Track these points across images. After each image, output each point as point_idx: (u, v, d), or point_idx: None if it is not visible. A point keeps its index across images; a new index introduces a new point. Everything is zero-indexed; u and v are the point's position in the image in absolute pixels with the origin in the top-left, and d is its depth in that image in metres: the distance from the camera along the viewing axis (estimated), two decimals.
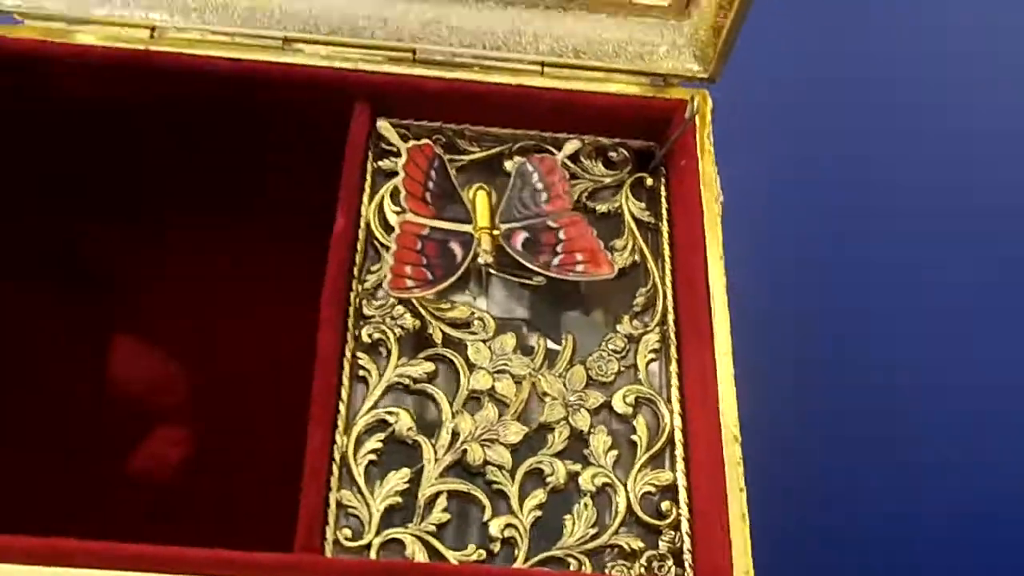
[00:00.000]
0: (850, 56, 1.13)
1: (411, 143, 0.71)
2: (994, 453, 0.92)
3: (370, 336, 0.65)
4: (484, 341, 0.66)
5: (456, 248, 0.67)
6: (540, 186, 0.71)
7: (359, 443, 0.62)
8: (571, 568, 0.60)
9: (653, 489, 0.63)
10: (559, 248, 0.68)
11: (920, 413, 0.93)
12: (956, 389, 0.94)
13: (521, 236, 0.69)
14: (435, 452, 0.62)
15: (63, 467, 0.71)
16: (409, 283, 0.65)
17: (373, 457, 0.62)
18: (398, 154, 0.71)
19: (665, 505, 0.63)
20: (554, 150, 0.74)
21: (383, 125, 0.71)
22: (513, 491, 0.62)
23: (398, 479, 0.61)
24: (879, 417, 0.92)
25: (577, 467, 0.63)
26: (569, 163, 0.73)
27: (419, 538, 0.60)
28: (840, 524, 0.85)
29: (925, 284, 1.00)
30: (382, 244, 0.69)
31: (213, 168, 0.78)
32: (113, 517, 0.56)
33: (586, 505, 0.62)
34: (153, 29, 0.72)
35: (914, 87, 1.12)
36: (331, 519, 0.60)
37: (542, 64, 0.73)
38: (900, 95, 1.11)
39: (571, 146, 0.73)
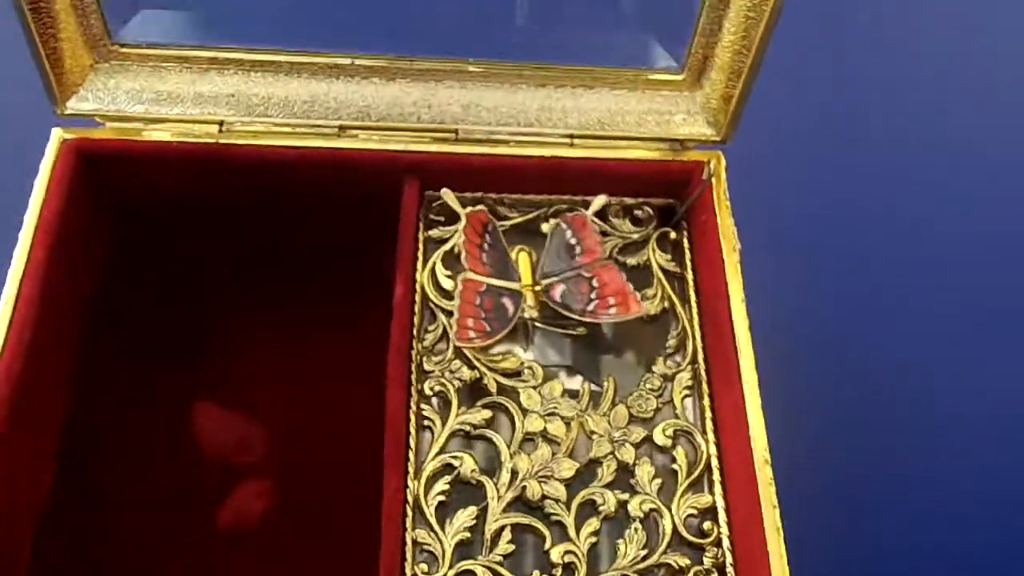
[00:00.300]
0: (848, 114, 1.20)
1: (468, 209, 0.78)
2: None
3: (432, 389, 0.73)
4: (534, 387, 0.73)
5: (508, 303, 0.75)
6: (573, 241, 0.78)
7: (429, 486, 0.69)
8: None
9: (695, 512, 0.70)
10: (593, 295, 0.75)
11: (937, 418, 0.99)
12: (981, 416, 1.00)
13: (560, 288, 0.76)
14: (497, 490, 0.69)
15: (156, 523, 0.78)
16: (472, 334, 0.72)
17: (442, 498, 0.69)
18: (448, 223, 0.79)
19: (706, 525, 0.70)
20: (583, 210, 0.81)
21: (446, 192, 0.78)
22: (570, 521, 0.69)
23: (466, 516, 0.68)
24: (896, 425, 0.98)
25: (626, 496, 0.70)
26: (599, 221, 0.80)
27: (488, 568, 0.67)
28: (865, 530, 0.91)
29: (932, 307, 1.06)
30: (436, 305, 0.76)
31: (280, 246, 0.86)
32: (205, 567, 0.62)
33: (636, 529, 0.69)
34: (221, 124, 0.79)
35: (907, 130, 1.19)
36: (408, 556, 0.67)
37: (571, 136, 0.80)
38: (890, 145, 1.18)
39: (599, 201, 0.80)
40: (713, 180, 0.78)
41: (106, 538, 0.76)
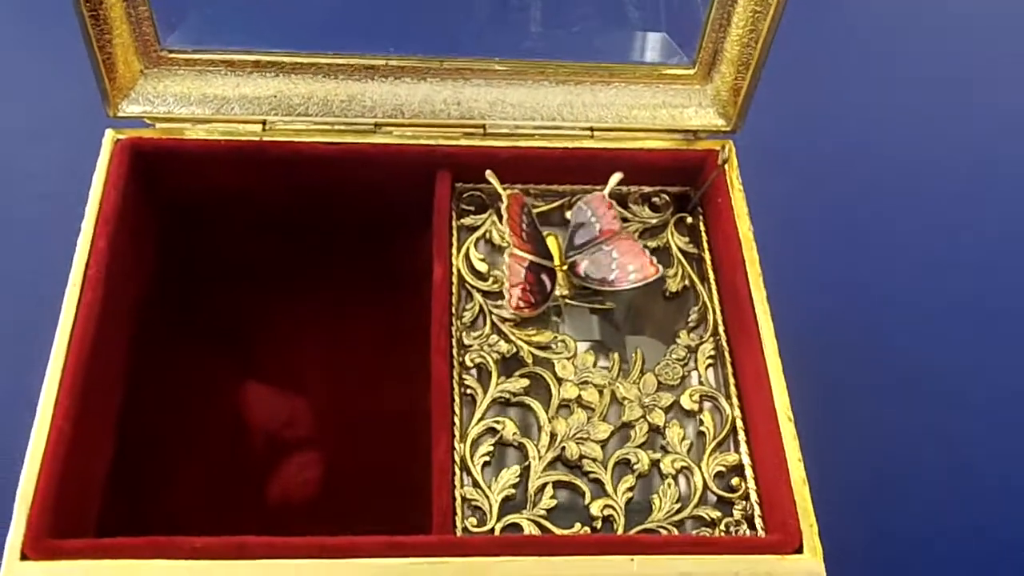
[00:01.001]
0: (852, 103, 1.26)
1: (508, 191, 0.83)
2: None
3: (472, 361, 0.77)
4: (568, 359, 0.78)
5: (546, 279, 0.80)
6: (593, 219, 0.83)
7: (474, 448, 0.74)
8: None
9: (723, 469, 0.75)
10: (613, 266, 0.80)
11: (959, 377, 1.04)
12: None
13: (584, 264, 0.81)
14: (538, 451, 0.74)
15: (209, 497, 0.82)
16: (521, 304, 0.77)
17: (487, 459, 0.74)
18: (478, 211, 0.84)
19: (735, 481, 0.74)
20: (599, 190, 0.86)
21: (489, 174, 0.83)
22: (607, 478, 0.73)
23: (510, 475, 0.73)
24: (915, 380, 1.03)
25: (658, 455, 0.75)
26: (620, 208, 0.85)
27: (533, 521, 0.71)
28: (892, 479, 0.96)
29: (936, 280, 1.12)
30: (472, 286, 0.81)
31: (321, 236, 0.91)
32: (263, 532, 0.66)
33: (669, 485, 0.74)
34: (264, 123, 0.84)
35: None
36: (459, 511, 0.71)
37: (591, 129, 0.85)
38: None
39: (615, 178, 0.84)
40: (726, 166, 0.83)
41: (164, 507, 0.80)
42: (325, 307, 0.91)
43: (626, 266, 0.79)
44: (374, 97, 0.84)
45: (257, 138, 0.83)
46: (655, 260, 0.79)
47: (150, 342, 0.85)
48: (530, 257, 0.79)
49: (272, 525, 0.67)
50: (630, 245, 0.80)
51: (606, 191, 0.83)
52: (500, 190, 0.82)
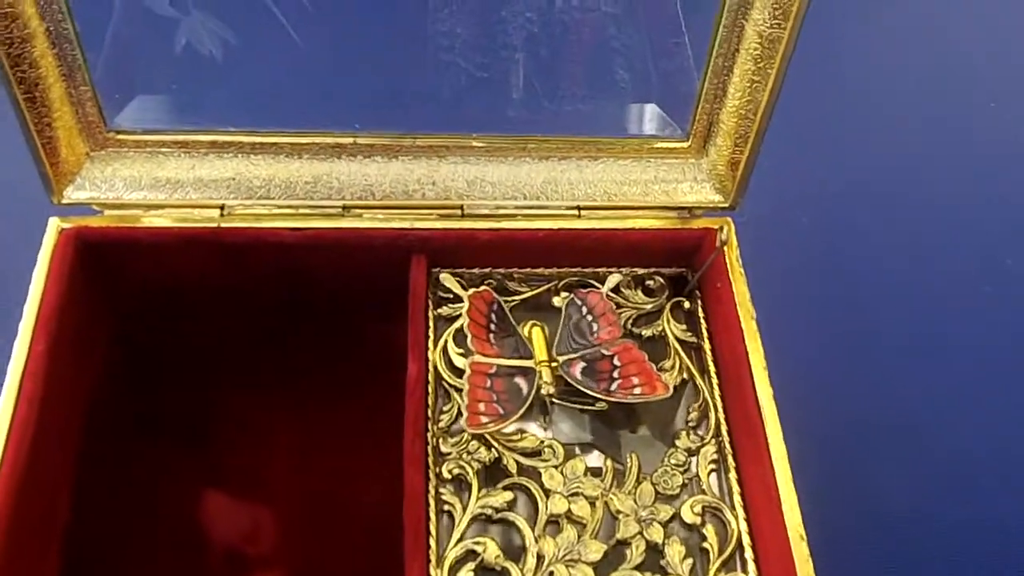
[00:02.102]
0: (857, 173, 1.20)
1: (471, 290, 0.77)
2: None
3: (451, 472, 0.70)
4: (555, 467, 0.71)
5: (521, 383, 0.73)
6: (590, 318, 0.77)
7: (452, 574, 0.66)
8: None
9: None
10: (615, 374, 0.74)
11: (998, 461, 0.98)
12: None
13: (579, 366, 0.74)
14: None
15: None
16: (484, 419, 0.70)
17: None
18: (457, 300, 0.78)
19: None
20: (597, 284, 0.79)
21: (444, 276, 0.77)
22: None
23: None
24: (942, 471, 0.96)
25: None
26: (612, 295, 0.79)
27: None
28: None
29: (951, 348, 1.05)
30: (451, 385, 0.74)
31: (287, 328, 0.84)
32: None
33: None
34: (223, 208, 0.77)
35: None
36: None
37: (578, 208, 0.79)
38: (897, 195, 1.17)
39: (613, 279, 0.79)
40: (725, 248, 0.76)
41: None
42: (293, 402, 0.84)
43: (630, 377, 0.73)
44: (341, 178, 0.78)
45: (215, 224, 0.77)
46: (663, 378, 0.73)
47: (103, 443, 0.78)
48: (497, 362, 0.72)
49: None
50: (635, 355, 0.74)
51: (604, 290, 0.77)
52: (460, 292, 0.76)
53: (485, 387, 0.72)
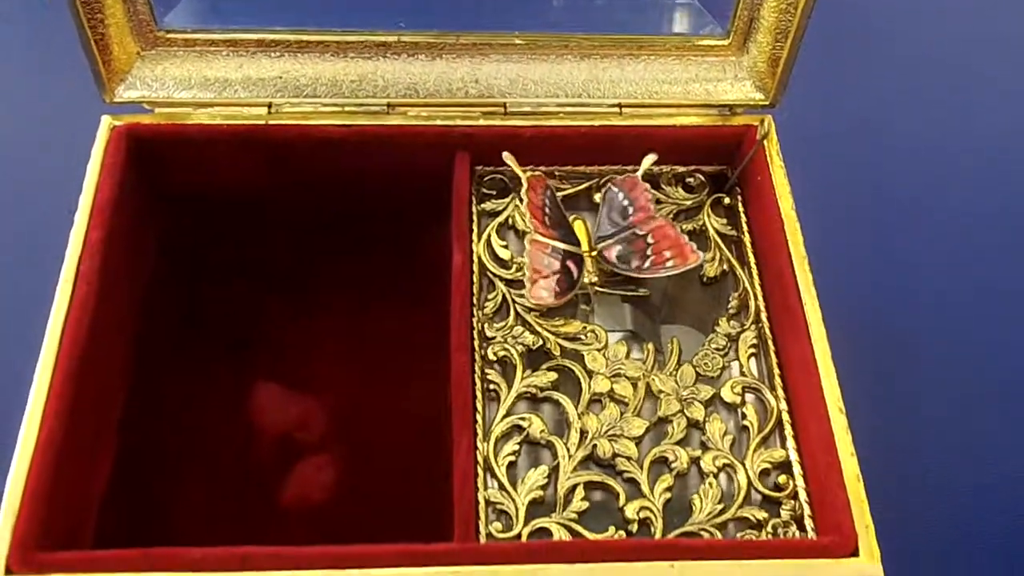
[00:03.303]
0: (898, 71, 1.20)
1: (529, 173, 0.77)
2: None
3: (495, 354, 0.72)
4: (599, 350, 0.72)
5: (572, 266, 0.74)
6: (625, 203, 0.77)
7: (498, 447, 0.68)
8: None
9: (769, 466, 0.69)
10: (649, 251, 0.75)
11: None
12: None
13: (615, 249, 0.75)
14: (567, 449, 0.68)
15: (218, 502, 0.77)
16: (543, 293, 0.72)
17: (512, 458, 0.68)
18: (500, 195, 0.79)
19: (782, 479, 0.68)
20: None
21: (507, 156, 0.78)
22: (643, 478, 0.68)
23: (538, 475, 0.67)
24: (973, 367, 0.96)
25: (698, 452, 0.69)
26: (652, 190, 0.79)
27: (564, 525, 0.66)
28: (950, 471, 0.89)
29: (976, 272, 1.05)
30: (494, 275, 0.75)
31: (333, 225, 0.85)
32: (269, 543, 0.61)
33: (710, 484, 0.68)
34: (270, 106, 0.79)
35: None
36: (482, 515, 0.65)
37: (619, 105, 0.80)
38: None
39: (648, 160, 0.79)
40: (765, 141, 0.77)
41: (168, 518, 0.75)
42: (339, 302, 0.86)
43: (662, 252, 0.73)
44: (386, 76, 0.79)
45: (263, 122, 0.78)
46: (695, 247, 0.73)
47: (154, 344, 0.80)
48: (553, 243, 0.74)
49: (283, 535, 0.62)
50: (667, 230, 0.75)
51: (639, 173, 0.78)
52: (519, 172, 0.77)
53: (544, 264, 0.73)
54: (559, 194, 0.80)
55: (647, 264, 0.73)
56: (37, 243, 0.85)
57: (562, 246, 0.74)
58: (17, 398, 0.64)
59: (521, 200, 0.76)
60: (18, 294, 0.93)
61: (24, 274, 0.95)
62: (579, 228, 0.77)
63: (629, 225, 0.76)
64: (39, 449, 0.62)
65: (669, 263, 0.73)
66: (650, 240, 0.75)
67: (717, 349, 0.73)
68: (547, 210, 0.75)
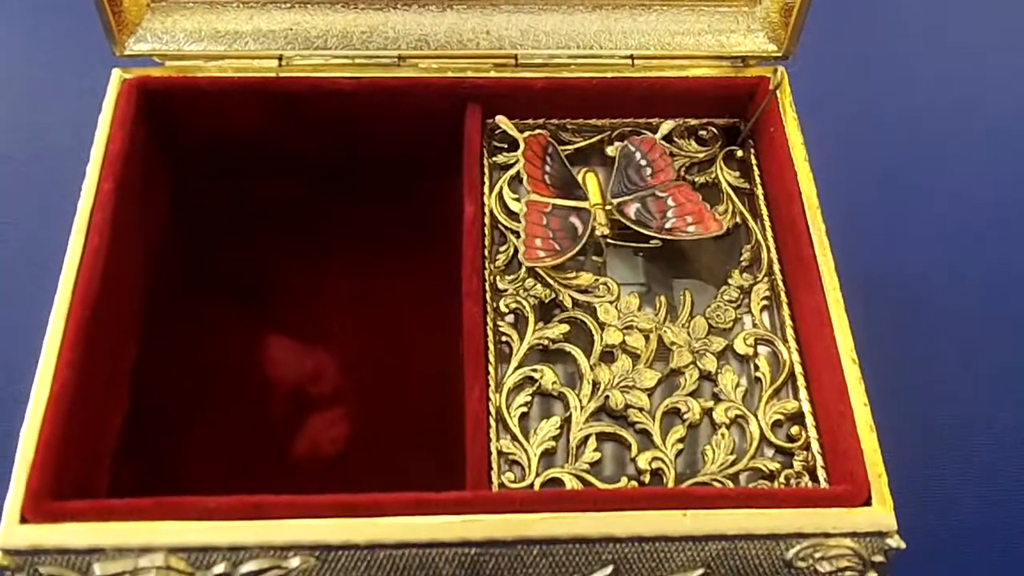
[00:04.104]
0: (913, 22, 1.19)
1: (527, 133, 0.77)
2: None
3: (507, 306, 0.72)
4: (611, 302, 0.72)
5: (576, 222, 0.74)
6: (643, 163, 0.77)
7: (510, 398, 0.68)
8: None
9: (781, 417, 0.69)
10: (669, 214, 0.74)
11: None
12: None
13: (634, 207, 0.75)
14: (580, 401, 0.68)
15: (231, 455, 0.77)
16: (540, 253, 0.71)
17: (524, 409, 0.68)
18: (512, 148, 0.78)
19: (794, 430, 0.68)
20: (650, 133, 0.80)
21: (501, 119, 0.78)
22: (655, 428, 0.68)
23: (550, 426, 0.67)
24: (986, 318, 0.96)
25: (710, 403, 0.69)
26: (665, 143, 0.79)
27: (576, 475, 0.66)
28: (963, 423, 0.89)
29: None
30: (506, 227, 0.75)
31: (344, 178, 0.85)
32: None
33: (723, 435, 0.68)
34: (281, 58, 0.78)
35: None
36: (494, 466, 0.65)
37: (631, 57, 0.79)
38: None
39: (667, 126, 0.79)
40: (778, 92, 0.77)
41: (181, 469, 0.75)
42: (350, 255, 0.86)
43: (684, 216, 0.73)
44: (397, 28, 0.79)
45: (273, 74, 0.78)
46: (716, 215, 0.73)
47: (166, 295, 0.80)
48: (553, 201, 0.73)
49: (297, 485, 0.62)
50: (688, 195, 0.75)
51: (658, 137, 0.77)
52: (516, 134, 0.76)
53: (541, 224, 0.73)
54: (571, 147, 0.79)
55: (667, 225, 0.73)
56: (49, 195, 0.86)
57: (564, 203, 0.74)
58: (31, 349, 0.64)
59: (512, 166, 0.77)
60: (31, 246, 0.94)
61: (37, 226, 0.95)
62: (591, 180, 0.77)
63: (648, 185, 0.75)
64: (52, 399, 0.62)
65: (690, 228, 0.73)
66: (670, 203, 0.75)
67: (729, 301, 0.73)
68: (548, 168, 0.75)
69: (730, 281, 0.74)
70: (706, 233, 0.73)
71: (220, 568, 0.57)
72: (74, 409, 0.63)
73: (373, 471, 0.76)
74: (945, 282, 0.98)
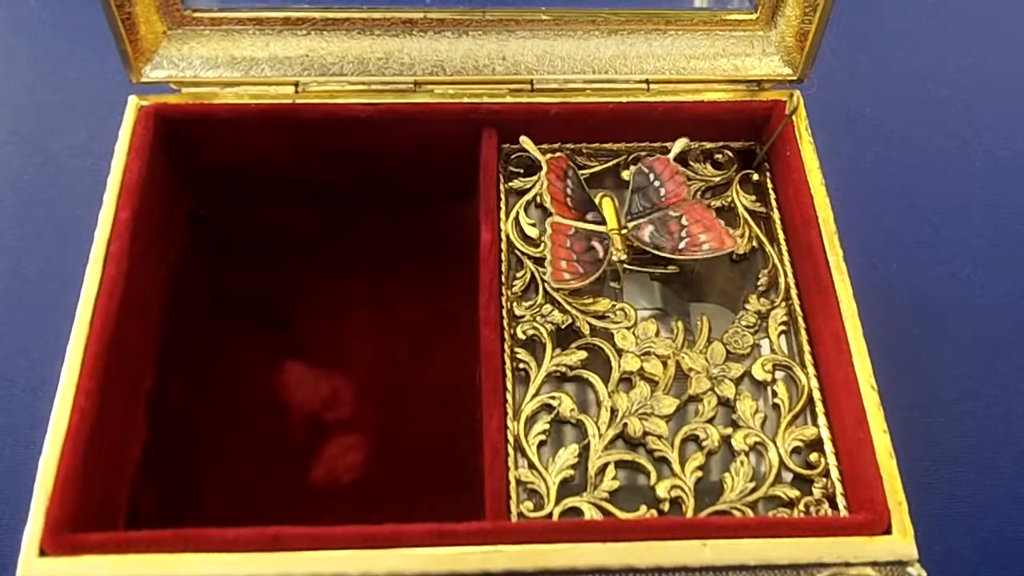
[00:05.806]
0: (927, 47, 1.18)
1: (548, 156, 0.77)
2: None
3: (525, 333, 0.71)
4: (628, 328, 0.72)
5: (597, 246, 0.74)
6: (657, 183, 0.77)
7: (528, 426, 0.68)
8: None
9: (800, 444, 0.68)
10: (683, 233, 0.74)
11: None
12: None
13: (648, 229, 0.75)
14: (598, 428, 0.68)
15: (248, 481, 0.77)
16: (566, 276, 0.71)
17: (543, 437, 0.68)
18: (528, 174, 0.78)
19: (813, 457, 0.68)
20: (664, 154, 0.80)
21: (525, 140, 0.78)
22: (674, 456, 0.67)
23: (568, 455, 0.67)
24: (1005, 343, 0.96)
25: (728, 431, 0.69)
26: (681, 166, 0.79)
27: (595, 504, 0.65)
28: (983, 449, 0.89)
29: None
30: (523, 253, 0.75)
31: (361, 204, 0.85)
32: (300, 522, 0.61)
33: (742, 463, 0.67)
34: (297, 85, 0.79)
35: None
36: (513, 495, 0.65)
37: (647, 82, 0.79)
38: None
39: (680, 143, 0.79)
40: (794, 116, 0.77)
41: (199, 496, 0.75)
42: (367, 280, 0.86)
43: (697, 235, 0.73)
44: (412, 54, 0.79)
45: (290, 101, 0.78)
46: (731, 231, 0.73)
47: (183, 320, 0.80)
48: (576, 224, 0.73)
49: (314, 513, 0.62)
50: (701, 213, 0.75)
51: (671, 156, 0.77)
52: (538, 155, 0.76)
53: (566, 247, 0.73)
54: (586, 171, 0.79)
55: (682, 245, 0.73)
56: (66, 224, 0.86)
57: (585, 226, 0.74)
58: (49, 379, 0.64)
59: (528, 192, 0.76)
60: (49, 275, 0.94)
61: (54, 256, 0.95)
62: (607, 205, 0.77)
63: (662, 206, 0.75)
64: (71, 430, 0.62)
65: (705, 246, 0.73)
66: (684, 222, 0.74)
67: (747, 326, 0.73)
68: (569, 191, 0.75)
69: (747, 306, 0.74)
70: (722, 249, 0.73)
71: None
72: (93, 439, 0.63)
73: (389, 496, 0.76)
74: (964, 306, 0.98)
